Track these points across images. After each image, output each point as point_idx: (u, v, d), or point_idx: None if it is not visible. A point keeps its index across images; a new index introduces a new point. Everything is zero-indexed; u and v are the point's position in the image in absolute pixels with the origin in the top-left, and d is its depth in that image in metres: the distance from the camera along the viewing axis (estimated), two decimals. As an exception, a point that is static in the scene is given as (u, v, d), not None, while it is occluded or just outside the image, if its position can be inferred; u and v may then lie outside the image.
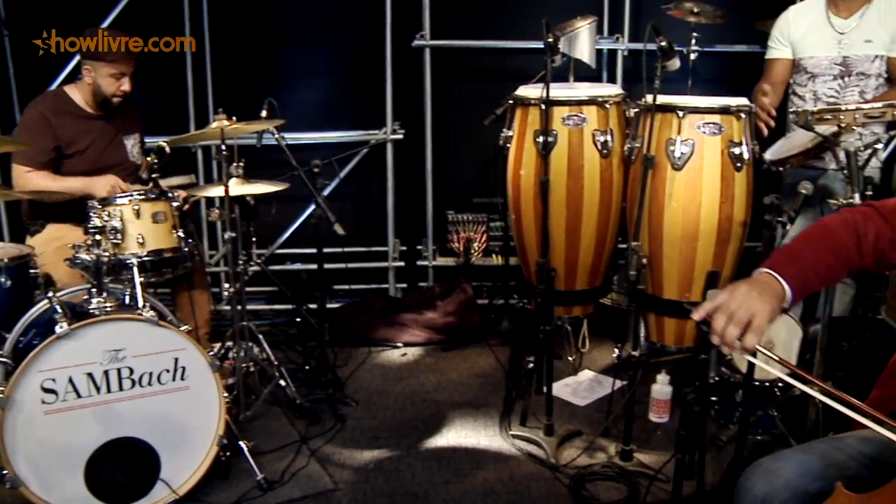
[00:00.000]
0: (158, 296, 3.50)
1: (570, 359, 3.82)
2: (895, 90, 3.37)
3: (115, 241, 2.86)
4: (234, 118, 3.11)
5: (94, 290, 2.69)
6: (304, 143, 4.43)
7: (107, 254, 2.74)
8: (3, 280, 2.78)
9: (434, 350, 4.26)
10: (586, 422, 3.40)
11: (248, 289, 4.67)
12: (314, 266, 3.74)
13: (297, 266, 4.77)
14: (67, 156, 3.35)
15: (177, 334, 2.69)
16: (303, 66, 4.61)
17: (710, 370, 2.07)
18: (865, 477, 1.51)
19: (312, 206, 3.50)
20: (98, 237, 2.72)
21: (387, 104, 4.54)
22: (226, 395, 2.83)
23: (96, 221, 2.79)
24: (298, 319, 4.21)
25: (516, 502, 2.85)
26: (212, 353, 2.82)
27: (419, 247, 4.84)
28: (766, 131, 3.23)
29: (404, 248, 4.87)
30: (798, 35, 3.52)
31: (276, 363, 3.51)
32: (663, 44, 2.67)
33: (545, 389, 3.20)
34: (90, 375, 2.53)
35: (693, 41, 4.10)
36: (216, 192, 3.14)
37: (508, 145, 3.11)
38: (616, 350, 3.07)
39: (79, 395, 2.52)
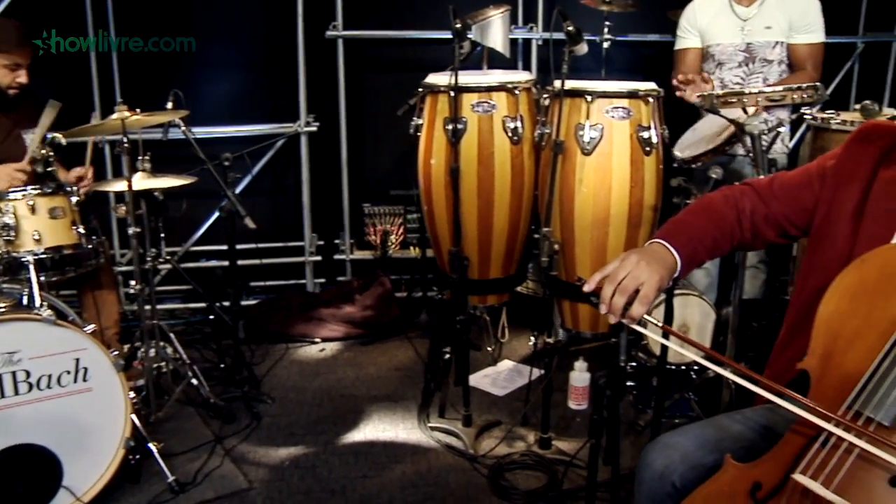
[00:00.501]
0: (64, 297, 3.36)
1: (489, 349, 3.81)
2: (796, 75, 3.47)
3: (7, 238, 2.72)
4: (137, 110, 3.00)
5: (-14, 290, 2.57)
6: (215, 136, 4.31)
7: (-1, 252, 2.62)
8: None
9: (353, 344, 4.20)
10: (505, 411, 3.40)
11: (163, 287, 4.60)
12: (233, 263, 3.65)
13: (213, 263, 4.66)
14: (-40, 150, 3.19)
15: (77, 334, 2.58)
16: (213, 58, 4.49)
17: (621, 354, 2.06)
18: (760, 446, 1.53)
19: (225, 201, 3.40)
20: (-11, 235, 2.60)
21: (300, 96, 4.45)
22: (133, 395, 2.73)
23: (-14, 218, 2.66)
24: (212, 317, 4.10)
25: (434, 494, 2.83)
26: (116, 353, 2.71)
27: (337, 241, 4.77)
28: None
29: (321, 242, 4.79)
30: (705, 23, 3.59)
31: (188, 362, 3.41)
32: (570, 28, 2.68)
33: (465, 380, 3.18)
34: (-18, 380, 2.41)
35: (606, 30, 4.13)
36: (120, 186, 3.03)
37: (419, 134, 3.08)
38: (532, 339, 3.06)
39: (-29, 402, 2.40)
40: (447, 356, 3.19)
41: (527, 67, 4.68)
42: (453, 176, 2.84)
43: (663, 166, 2.92)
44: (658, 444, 1.72)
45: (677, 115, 3.43)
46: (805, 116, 3.15)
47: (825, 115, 3.10)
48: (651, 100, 2.83)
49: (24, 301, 2.70)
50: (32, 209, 2.78)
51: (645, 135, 2.79)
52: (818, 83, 2.57)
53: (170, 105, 3.20)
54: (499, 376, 3.73)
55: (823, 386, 1.44)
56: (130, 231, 2.99)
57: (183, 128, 3.34)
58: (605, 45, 4.14)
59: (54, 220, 2.84)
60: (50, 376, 2.52)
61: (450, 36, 2.82)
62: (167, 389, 3.37)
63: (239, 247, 3.75)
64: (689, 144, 3.21)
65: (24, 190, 2.82)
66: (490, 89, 2.94)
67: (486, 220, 2.98)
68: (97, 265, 3.07)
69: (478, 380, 3.68)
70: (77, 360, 2.56)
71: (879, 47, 5.08)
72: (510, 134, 2.93)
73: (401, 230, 4.61)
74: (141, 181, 3.10)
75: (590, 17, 4.26)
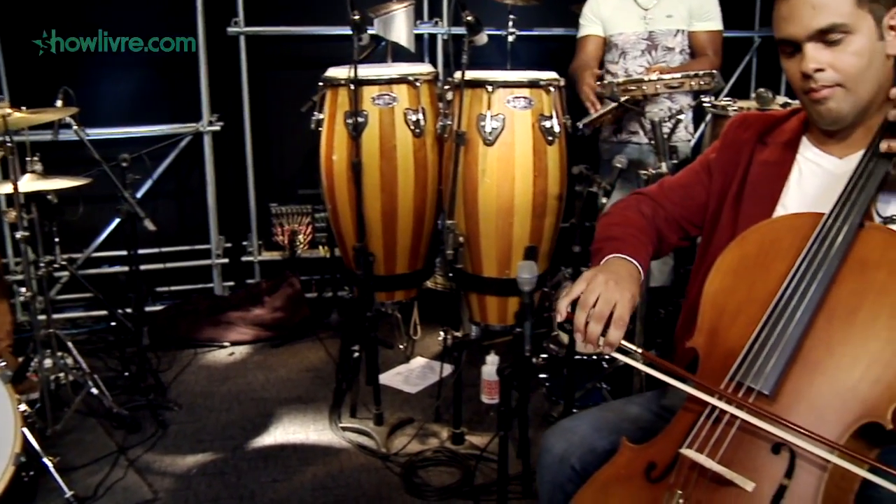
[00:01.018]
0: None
1: (401, 347, 3.78)
2: (697, 61, 3.55)
3: None
4: (22, 107, 2.87)
5: None
6: (114, 137, 4.15)
7: None
8: None
9: (263, 347, 4.12)
10: (418, 408, 3.38)
11: (65, 296, 4.41)
12: (135, 267, 3.53)
13: (116, 269, 4.49)
14: None
15: (-40, 345, 2.44)
16: (111, 57, 4.32)
17: (526, 344, 2.05)
18: (656, 427, 1.55)
19: (123, 203, 3.28)
20: None
21: (202, 95, 4.33)
22: (25, 408, 2.61)
23: None
24: (115, 324, 3.96)
25: (346, 496, 2.79)
26: (3, 364, 2.57)
27: (244, 242, 4.67)
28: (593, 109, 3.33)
29: (229, 244, 4.67)
30: (607, 13, 3.65)
31: (87, 371, 3.27)
32: (469, 18, 2.67)
33: (375, 379, 3.14)
34: None
35: (510, 23, 4.13)
36: (6, 189, 2.88)
37: (320, 129, 3.02)
38: (442, 334, 3.03)
39: None
40: (356, 355, 3.14)
41: (433, 63, 4.65)
42: (355, 170, 2.80)
43: (567, 155, 2.93)
44: (557, 428, 1.72)
45: (579, 104, 3.47)
46: (704, 104, 3.22)
47: (723, 103, 3.17)
48: (552, 89, 2.83)
49: None
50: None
51: (547, 124, 2.79)
52: (714, 71, 2.63)
53: (59, 103, 3.07)
54: (411, 374, 3.70)
55: (710, 362, 1.48)
56: (18, 235, 2.86)
57: (75, 127, 3.21)
58: (510, 38, 4.13)
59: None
60: (-69, 391, 2.39)
61: (366, 43, 2.79)
62: (67, 401, 3.22)
63: (142, 251, 3.63)
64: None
65: None
66: (391, 82, 2.89)
67: (391, 214, 2.94)
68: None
69: (390, 378, 3.65)
70: (-40, 372, 2.43)
71: (775, 41, 5.23)
72: (412, 127, 2.90)
73: (309, 229, 4.53)
74: (30, 183, 2.96)
75: (495, 11, 4.26)
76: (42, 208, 3.17)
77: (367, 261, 2.88)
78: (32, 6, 4.10)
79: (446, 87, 2.96)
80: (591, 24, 3.71)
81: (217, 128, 4.40)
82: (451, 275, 2.81)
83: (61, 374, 3.24)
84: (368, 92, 2.87)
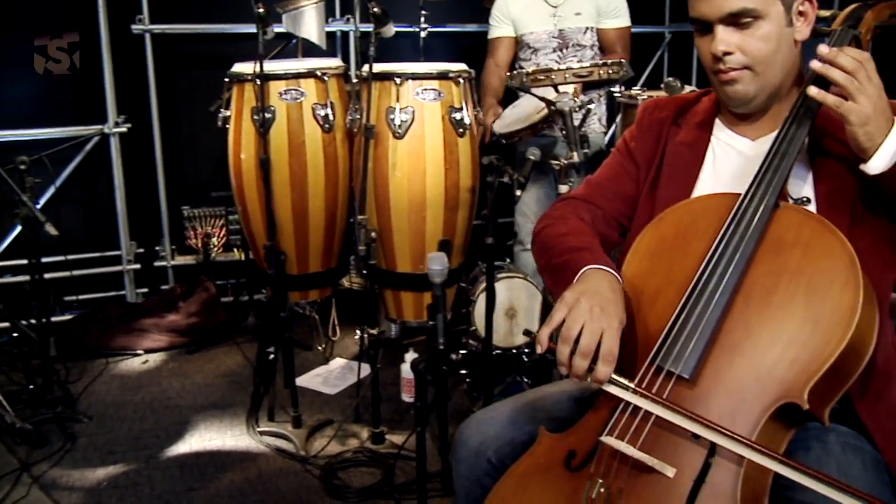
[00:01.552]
0: None
1: (319, 348, 3.72)
2: (607, 57, 3.58)
3: None
4: None
5: None
6: (12, 140, 3.98)
7: None
8: None
9: (178, 353, 4.00)
10: (338, 410, 3.33)
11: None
12: (38, 276, 3.38)
13: (20, 279, 4.30)
14: None
15: None
16: (8, 56, 4.15)
17: (440, 337, 2.02)
18: (575, 415, 1.53)
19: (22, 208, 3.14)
20: None
21: (107, 95, 4.18)
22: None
23: None
24: (16, 335, 3.79)
25: (265, 500, 2.72)
26: None
27: (157, 247, 4.53)
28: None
29: (141, 250, 4.52)
30: (517, 12, 3.65)
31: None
32: (376, 10, 2.63)
33: (292, 381, 3.08)
34: None
35: (422, 19, 4.12)
36: None
37: (227, 126, 2.94)
38: (358, 333, 2.98)
39: None
40: (272, 356, 3.06)
41: (346, 61, 4.60)
42: (263, 167, 2.73)
43: (478, 148, 2.91)
44: (472, 421, 1.67)
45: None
46: (614, 94, 3.25)
47: (633, 93, 3.21)
48: (462, 80, 2.81)
49: None
50: None
51: (457, 116, 2.77)
52: (623, 60, 2.64)
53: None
54: (330, 375, 3.64)
55: (630, 346, 1.45)
56: None
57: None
58: (423, 34, 4.12)
59: None
60: None
61: (272, 37, 2.73)
62: (-35, 419, 3.08)
63: (48, 259, 3.51)
64: (510, 122, 3.24)
65: None
66: (298, 76, 2.83)
67: (301, 212, 2.88)
68: None
69: (309, 380, 3.59)
70: None
71: (685, 36, 5.36)
72: (321, 122, 2.84)
73: (223, 232, 4.42)
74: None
75: (407, 7, 4.24)
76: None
77: (279, 260, 2.82)
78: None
79: (354, 80, 2.91)
80: (501, 25, 3.72)
81: (124, 129, 4.25)
82: (364, 272, 2.76)
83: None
84: (275, 87, 2.81)
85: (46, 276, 3.53)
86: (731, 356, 1.35)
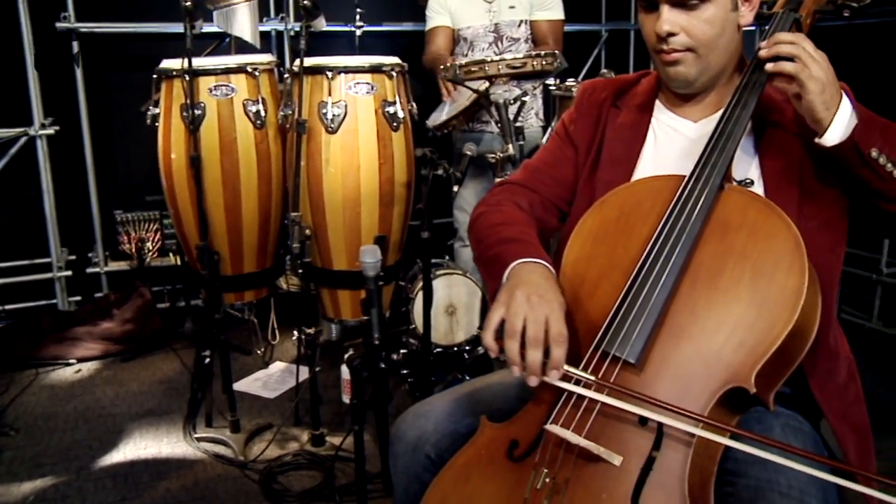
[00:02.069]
0: None
1: (259, 352, 3.64)
2: (539, 49, 3.58)
3: None
4: None
5: None
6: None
7: None
8: None
9: (113, 362, 3.88)
10: (277, 413, 3.26)
11: None
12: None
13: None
14: None
15: None
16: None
17: (374, 332, 1.98)
18: (517, 404, 1.48)
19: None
20: None
21: (31, 96, 4.05)
22: None
23: None
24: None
25: (202, 507, 2.65)
26: None
27: (90, 253, 4.39)
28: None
29: (73, 256, 4.38)
30: (454, 7, 3.64)
31: None
32: (306, 2, 2.58)
33: (229, 384, 3.01)
34: None
35: (357, 17, 4.08)
36: None
37: (157, 125, 2.85)
38: (295, 334, 2.92)
39: None
40: (207, 360, 2.98)
41: (281, 61, 4.53)
42: (194, 165, 2.65)
43: (413, 142, 2.87)
44: (409, 414, 1.61)
45: (426, 94, 3.43)
46: (549, 87, 3.24)
47: (567, 84, 3.21)
48: (395, 74, 2.77)
49: None
50: None
51: (391, 110, 2.73)
52: (556, 52, 2.63)
53: None
54: (270, 379, 3.57)
55: (574, 332, 1.41)
56: None
57: None
58: (358, 32, 4.08)
59: None
60: None
61: (200, 31, 2.65)
62: None
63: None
64: (444, 113, 3.22)
65: None
66: (228, 71, 2.76)
67: (234, 211, 2.80)
68: None
69: (248, 384, 3.51)
70: None
71: (621, 34, 5.44)
72: (252, 118, 2.77)
73: (158, 237, 4.31)
74: None
75: (342, 5, 4.19)
76: None
77: (212, 260, 2.74)
78: None
79: (286, 76, 2.85)
80: (438, 16, 3.70)
81: (51, 132, 4.12)
82: (299, 270, 2.69)
83: None
84: (205, 83, 2.73)
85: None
86: (677, 340, 1.33)
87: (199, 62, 2.70)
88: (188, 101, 2.67)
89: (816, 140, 1.38)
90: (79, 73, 4.12)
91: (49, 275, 4.31)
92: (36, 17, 4.00)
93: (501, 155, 2.67)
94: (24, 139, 4.10)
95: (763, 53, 1.41)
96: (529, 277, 1.42)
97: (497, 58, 2.56)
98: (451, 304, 3.22)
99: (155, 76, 2.86)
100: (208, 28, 3.30)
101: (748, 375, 1.26)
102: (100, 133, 4.30)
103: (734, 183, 1.48)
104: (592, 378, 1.32)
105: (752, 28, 1.66)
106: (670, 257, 1.37)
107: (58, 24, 4.01)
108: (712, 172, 1.43)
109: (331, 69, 2.66)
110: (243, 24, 3.21)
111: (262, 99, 2.81)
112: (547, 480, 1.29)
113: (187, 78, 2.64)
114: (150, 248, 4.29)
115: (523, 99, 3.13)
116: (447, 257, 3.76)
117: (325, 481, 2.74)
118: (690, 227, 1.39)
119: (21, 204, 4.32)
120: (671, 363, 1.32)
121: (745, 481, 1.30)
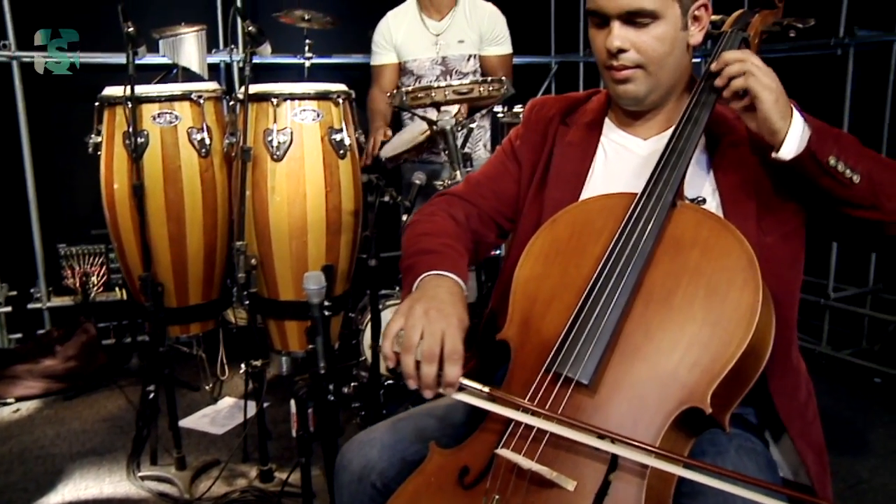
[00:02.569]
0: None
1: (207, 388, 3.56)
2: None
3: None
4: None
5: None
6: None
7: None
8: None
9: (54, 400, 3.76)
10: (225, 450, 3.17)
11: None
12: None
13: None
14: None
15: None
16: None
17: (320, 360, 1.93)
18: (467, 430, 1.44)
19: None
20: None
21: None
22: None
23: None
24: None
25: (144, 549, 2.55)
26: None
27: (32, 289, 4.26)
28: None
29: (13, 292, 4.25)
30: (399, 40, 3.64)
31: None
32: (251, 29, 2.56)
33: (175, 420, 2.92)
34: None
35: (307, 48, 4.06)
36: None
37: (99, 153, 2.79)
38: (242, 367, 2.85)
39: None
40: (152, 395, 2.89)
41: (230, 91, 4.49)
42: (137, 194, 2.59)
43: (360, 170, 2.84)
44: (354, 443, 1.54)
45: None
46: (498, 115, 3.25)
47: (515, 111, 3.22)
48: (341, 101, 2.75)
49: None
50: None
51: (337, 137, 2.70)
52: (503, 78, 2.63)
53: None
54: (218, 415, 3.48)
55: (524, 354, 1.39)
56: None
57: None
58: (307, 64, 4.06)
59: None
60: None
61: (149, 62, 2.60)
62: None
63: None
64: (396, 145, 3.20)
65: None
66: (172, 98, 2.71)
67: (179, 241, 2.73)
68: None
69: (196, 421, 3.42)
70: None
71: (570, 66, 5.54)
72: (197, 146, 2.72)
73: (103, 271, 4.20)
74: None
75: (292, 37, 4.17)
76: None
77: (156, 292, 2.67)
78: None
79: (232, 103, 2.81)
80: (384, 52, 3.69)
81: (-10, 164, 4.02)
82: (246, 301, 2.63)
83: None
84: (148, 110, 2.68)
85: None
86: (631, 360, 1.30)
87: (142, 89, 2.65)
88: (131, 129, 2.61)
89: (774, 155, 1.38)
90: (20, 103, 4.02)
91: (-12, 311, 4.17)
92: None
93: (449, 182, 2.66)
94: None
95: (714, 66, 1.43)
96: (434, 291, 1.41)
97: (444, 84, 2.55)
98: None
99: (97, 104, 2.80)
100: (156, 59, 3.27)
101: (704, 395, 1.24)
102: (43, 165, 4.20)
103: (686, 201, 1.47)
104: (486, 391, 1.30)
105: (698, 60, 1.67)
106: (622, 276, 1.35)
107: (-1, 54, 3.93)
108: (664, 189, 1.42)
109: (276, 96, 2.63)
110: (190, 54, 3.18)
111: (207, 127, 2.76)
112: None
113: (129, 105, 2.58)
114: (96, 282, 4.19)
115: (470, 126, 3.12)
116: (398, 288, 3.71)
117: (273, 518, 2.67)
118: (643, 246, 1.37)
119: (-41, 238, 4.20)
120: (625, 384, 1.29)
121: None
